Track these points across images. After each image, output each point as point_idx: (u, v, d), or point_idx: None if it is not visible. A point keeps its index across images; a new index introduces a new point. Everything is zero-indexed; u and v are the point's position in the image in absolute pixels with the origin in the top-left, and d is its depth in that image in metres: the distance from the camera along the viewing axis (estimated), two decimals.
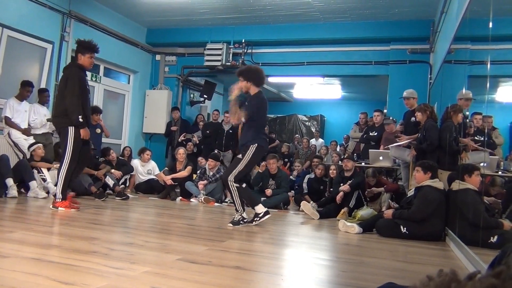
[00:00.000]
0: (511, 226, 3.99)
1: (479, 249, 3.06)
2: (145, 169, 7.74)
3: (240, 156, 4.45)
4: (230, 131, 8.42)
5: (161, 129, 9.42)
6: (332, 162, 7.65)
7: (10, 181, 5.39)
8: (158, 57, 9.92)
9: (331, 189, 6.41)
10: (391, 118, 7.07)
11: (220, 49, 8.92)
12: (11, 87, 6.41)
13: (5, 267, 2.17)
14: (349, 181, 5.92)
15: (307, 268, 2.86)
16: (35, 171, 5.86)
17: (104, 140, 7.60)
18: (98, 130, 7.10)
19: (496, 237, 3.38)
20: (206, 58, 9.05)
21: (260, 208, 4.43)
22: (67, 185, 4.80)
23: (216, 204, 6.62)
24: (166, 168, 7.55)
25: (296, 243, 3.92)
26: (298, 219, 5.53)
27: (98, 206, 5.42)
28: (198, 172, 7.17)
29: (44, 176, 5.91)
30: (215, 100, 11.02)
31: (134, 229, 3.96)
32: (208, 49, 9.04)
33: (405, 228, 4.20)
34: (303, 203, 5.82)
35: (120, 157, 7.72)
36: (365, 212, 5.43)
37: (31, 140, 6.25)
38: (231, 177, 4.31)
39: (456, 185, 4.39)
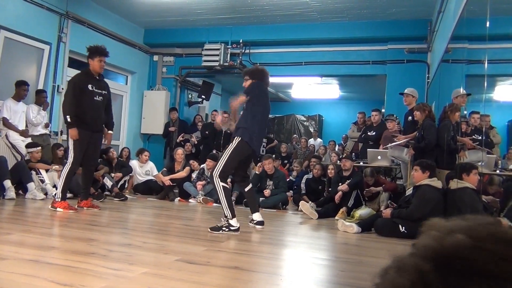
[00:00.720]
0: (509, 225, 4.00)
1: None
2: (144, 170, 7.74)
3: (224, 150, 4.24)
4: (228, 131, 8.41)
5: (159, 130, 9.41)
6: (330, 162, 7.66)
7: (8, 183, 5.37)
8: (155, 57, 9.90)
9: (330, 189, 6.41)
10: (394, 116, 7.07)
11: (218, 49, 8.92)
12: (9, 89, 6.39)
13: (3, 269, 2.17)
14: (348, 181, 5.92)
15: (306, 268, 2.86)
16: (33, 173, 5.85)
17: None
18: None
19: None
20: (204, 58, 9.05)
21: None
22: (68, 185, 4.86)
23: (214, 204, 6.60)
24: (165, 169, 7.55)
25: (294, 243, 3.92)
26: (296, 219, 5.53)
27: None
28: (197, 172, 7.16)
29: (42, 177, 5.90)
30: (213, 101, 11.00)
31: (132, 230, 3.96)
32: (206, 49, 9.03)
33: (403, 227, 4.20)
34: (301, 203, 5.81)
35: (118, 158, 7.71)
36: (363, 211, 5.44)
37: (29, 141, 6.23)
38: (216, 172, 3.98)
39: (454, 184, 4.40)
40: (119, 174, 7.09)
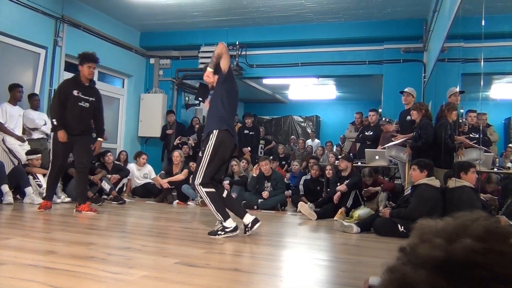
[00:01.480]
0: (508, 223, 4.01)
1: None
2: (142, 173, 7.72)
3: (200, 153, 3.81)
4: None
5: (157, 133, 9.39)
6: (328, 163, 7.66)
7: (5, 188, 5.36)
8: (152, 60, 9.89)
9: (328, 189, 6.41)
10: (384, 119, 7.08)
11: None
12: (4, 94, 6.36)
13: (2, 274, 2.16)
14: (346, 181, 5.93)
15: (306, 269, 2.85)
16: (31, 177, 5.83)
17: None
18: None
19: None
20: (201, 60, 9.03)
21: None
22: (52, 187, 5.18)
23: None
24: (163, 172, 7.54)
25: (294, 244, 3.91)
26: (295, 220, 5.53)
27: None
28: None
29: (40, 182, 5.88)
30: None
31: (131, 234, 3.95)
32: (202, 51, 9.03)
33: (402, 227, 4.21)
34: (300, 204, 5.81)
35: (116, 162, 7.69)
36: (362, 211, 5.45)
37: (26, 146, 6.21)
38: (197, 181, 3.68)
39: (452, 183, 4.41)
40: (117, 176, 7.06)
